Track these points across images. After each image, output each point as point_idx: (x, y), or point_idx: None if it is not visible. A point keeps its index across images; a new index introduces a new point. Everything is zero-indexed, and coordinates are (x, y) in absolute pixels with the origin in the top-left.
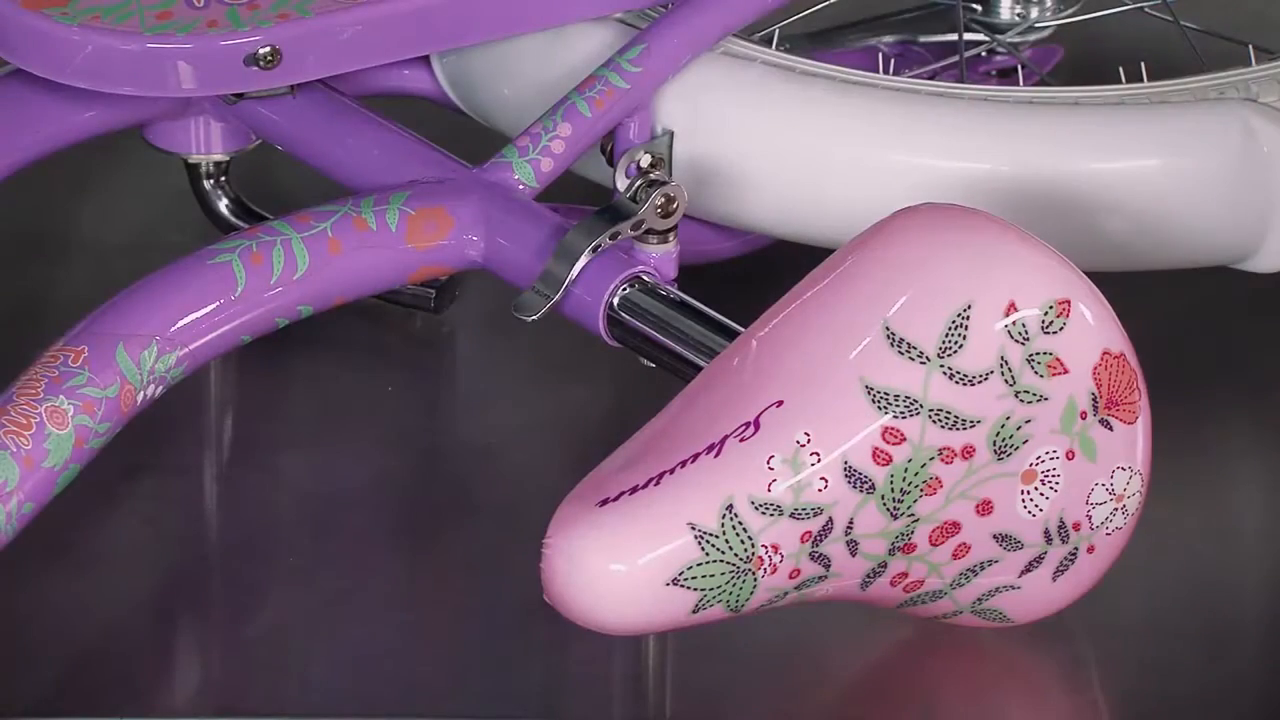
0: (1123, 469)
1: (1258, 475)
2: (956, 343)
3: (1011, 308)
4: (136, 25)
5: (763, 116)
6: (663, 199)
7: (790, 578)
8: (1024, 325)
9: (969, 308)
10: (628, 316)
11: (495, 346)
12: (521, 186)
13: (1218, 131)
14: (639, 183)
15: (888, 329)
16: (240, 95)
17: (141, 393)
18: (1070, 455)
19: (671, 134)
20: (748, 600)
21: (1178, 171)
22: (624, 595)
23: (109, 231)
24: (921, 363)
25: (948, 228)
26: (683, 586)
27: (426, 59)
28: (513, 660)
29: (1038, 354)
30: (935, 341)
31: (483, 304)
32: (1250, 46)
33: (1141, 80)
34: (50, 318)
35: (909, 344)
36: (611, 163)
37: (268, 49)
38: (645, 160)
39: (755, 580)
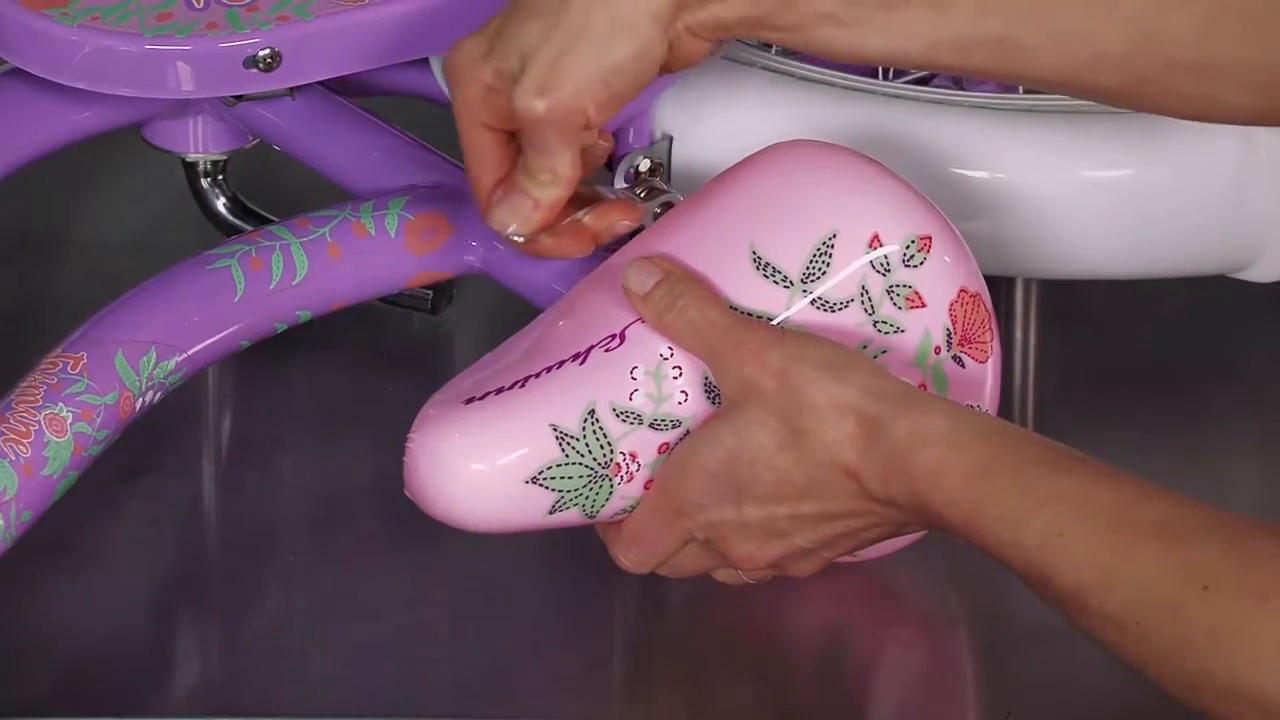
0: (972, 405)
1: (1257, 475)
2: (820, 269)
3: (875, 240)
4: (136, 26)
5: (760, 122)
6: (660, 208)
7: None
8: (886, 258)
9: (833, 237)
10: None
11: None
12: None
13: (1215, 139)
14: (638, 191)
15: (754, 252)
16: (240, 97)
17: (140, 399)
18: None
19: (670, 139)
20: (603, 506)
21: (1175, 178)
22: (483, 492)
23: (109, 231)
24: (785, 286)
25: (816, 161)
26: (541, 486)
27: (426, 59)
28: (513, 660)
29: (897, 286)
30: (799, 267)
31: (480, 305)
32: None
33: None
34: (50, 318)
35: (774, 268)
36: (611, 167)
37: (267, 51)
38: (644, 165)
39: (612, 486)
